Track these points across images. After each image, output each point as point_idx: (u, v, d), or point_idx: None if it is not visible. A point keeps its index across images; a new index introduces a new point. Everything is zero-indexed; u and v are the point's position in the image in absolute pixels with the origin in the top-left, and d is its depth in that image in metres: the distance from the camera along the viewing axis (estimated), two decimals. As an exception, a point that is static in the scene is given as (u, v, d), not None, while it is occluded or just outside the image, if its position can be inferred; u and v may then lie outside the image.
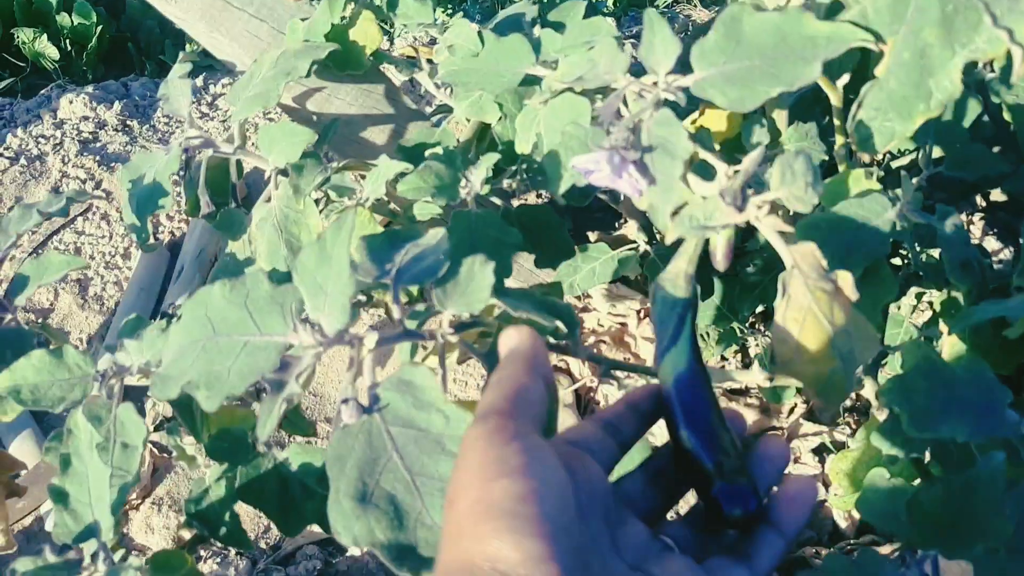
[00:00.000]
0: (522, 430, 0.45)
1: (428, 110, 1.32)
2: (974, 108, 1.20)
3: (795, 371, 0.62)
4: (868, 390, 1.05)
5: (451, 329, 0.62)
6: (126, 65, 2.83)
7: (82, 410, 0.67)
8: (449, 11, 2.40)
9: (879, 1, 0.71)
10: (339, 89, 1.11)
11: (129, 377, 0.73)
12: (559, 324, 0.67)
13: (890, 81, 0.72)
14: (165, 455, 1.50)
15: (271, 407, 0.60)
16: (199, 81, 2.44)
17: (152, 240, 0.97)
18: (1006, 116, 1.26)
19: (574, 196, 0.90)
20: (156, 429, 1.30)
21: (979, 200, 1.41)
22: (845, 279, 0.61)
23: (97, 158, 2.16)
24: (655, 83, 0.70)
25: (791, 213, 0.90)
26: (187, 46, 2.72)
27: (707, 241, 0.66)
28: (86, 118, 2.31)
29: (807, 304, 0.61)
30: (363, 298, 0.86)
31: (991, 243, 1.47)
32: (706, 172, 0.69)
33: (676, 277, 0.61)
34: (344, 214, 0.60)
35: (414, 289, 0.92)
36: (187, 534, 0.74)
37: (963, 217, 1.44)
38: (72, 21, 2.74)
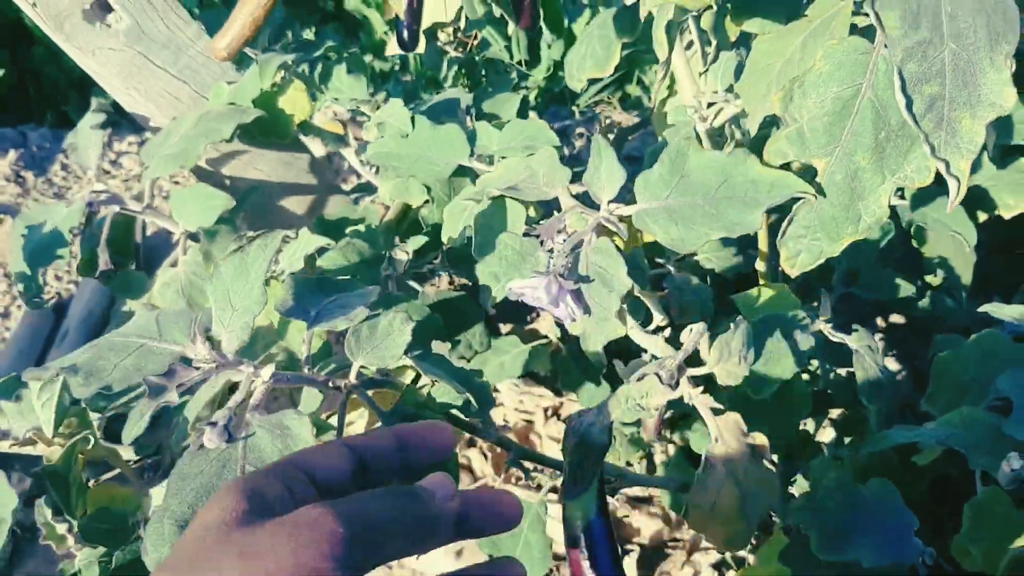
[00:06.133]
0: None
1: (347, 186, 1.29)
2: (885, 231, 1.24)
3: (708, 531, 0.66)
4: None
5: (357, 381, 0.59)
6: (24, 113, 2.72)
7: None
8: (371, 89, 2.39)
9: (815, 122, 0.72)
10: (259, 157, 1.07)
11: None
12: (471, 398, 0.64)
13: (821, 201, 0.73)
14: (28, 534, 1.38)
15: (144, 410, 0.56)
16: (104, 136, 2.35)
17: (41, 296, 0.90)
18: (913, 242, 1.30)
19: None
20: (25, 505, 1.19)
21: (879, 321, 1.45)
22: (761, 441, 0.66)
23: (-16, 207, 2.05)
24: (597, 209, 0.70)
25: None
26: (93, 100, 2.63)
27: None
28: (-24, 163, 2.20)
29: (724, 475, 0.65)
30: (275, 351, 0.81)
31: (891, 363, 1.51)
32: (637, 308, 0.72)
33: (599, 423, 0.61)
34: (272, 233, 0.57)
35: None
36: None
37: (866, 337, 1.47)
38: (-30, 61, 2.64)
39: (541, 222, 0.75)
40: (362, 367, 0.60)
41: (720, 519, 0.66)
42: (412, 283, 0.97)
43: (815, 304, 1.02)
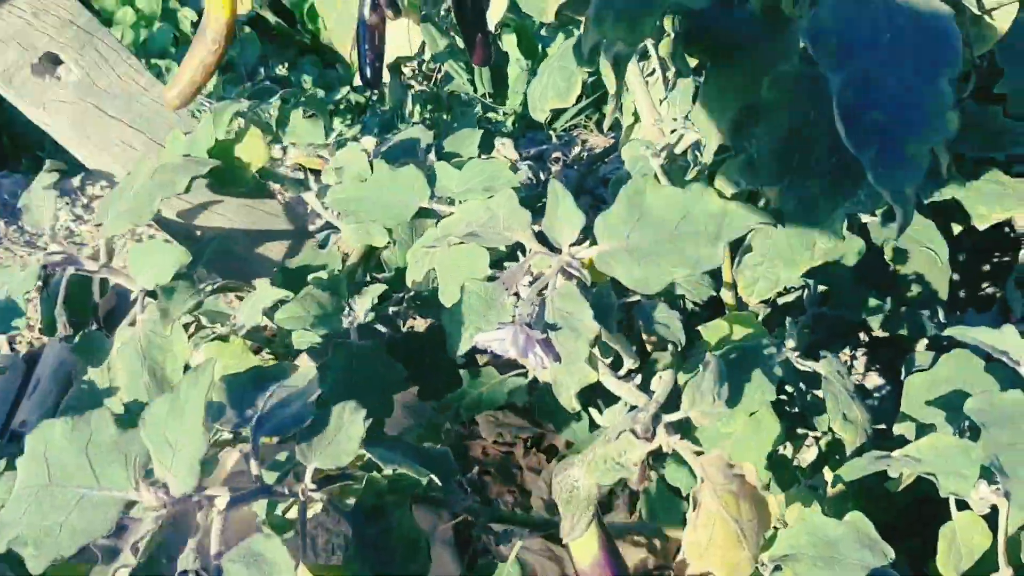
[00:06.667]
0: None
1: (318, 222, 1.28)
2: (858, 249, 1.22)
3: (707, 563, 0.67)
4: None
5: (314, 485, 0.58)
6: (-3, 159, 2.69)
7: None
8: (348, 121, 2.39)
9: (766, 149, 0.72)
10: (222, 205, 1.07)
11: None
12: (433, 477, 0.63)
13: (776, 229, 0.72)
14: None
15: (104, 577, 0.55)
16: (76, 181, 2.31)
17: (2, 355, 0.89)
18: (887, 258, 1.29)
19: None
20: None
21: (862, 335, 1.44)
22: (749, 469, 0.66)
23: (-47, 257, 2.03)
24: (559, 252, 0.69)
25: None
26: (48, 162, 2.61)
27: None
28: (-55, 212, 2.18)
29: (716, 509, 0.65)
30: (228, 435, 0.80)
31: (873, 379, 1.50)
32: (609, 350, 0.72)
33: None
34: (203, 365, 0.56)
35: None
36: None
37: (846, 353, 1.46)
38: (-57, 107, 2.61)
39: (506, 263, 0.74)
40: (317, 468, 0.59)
41: (719, 553, 0.67)
42: (379, 327, 0.96)
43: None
